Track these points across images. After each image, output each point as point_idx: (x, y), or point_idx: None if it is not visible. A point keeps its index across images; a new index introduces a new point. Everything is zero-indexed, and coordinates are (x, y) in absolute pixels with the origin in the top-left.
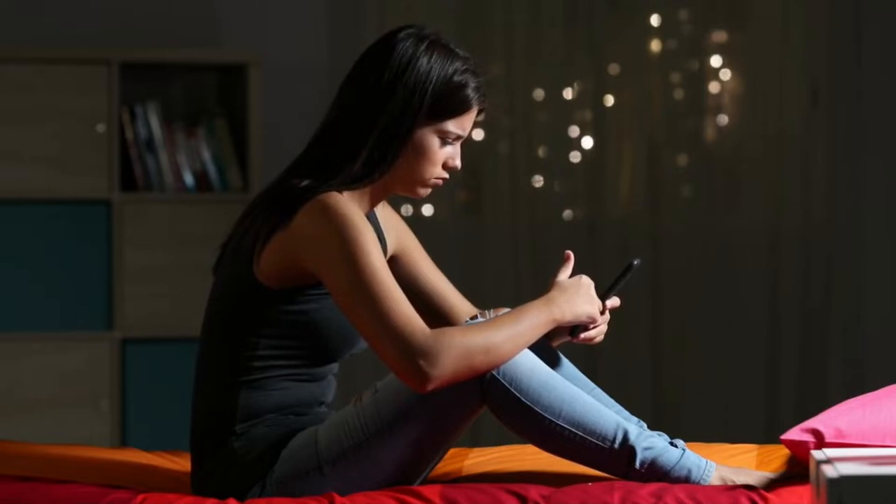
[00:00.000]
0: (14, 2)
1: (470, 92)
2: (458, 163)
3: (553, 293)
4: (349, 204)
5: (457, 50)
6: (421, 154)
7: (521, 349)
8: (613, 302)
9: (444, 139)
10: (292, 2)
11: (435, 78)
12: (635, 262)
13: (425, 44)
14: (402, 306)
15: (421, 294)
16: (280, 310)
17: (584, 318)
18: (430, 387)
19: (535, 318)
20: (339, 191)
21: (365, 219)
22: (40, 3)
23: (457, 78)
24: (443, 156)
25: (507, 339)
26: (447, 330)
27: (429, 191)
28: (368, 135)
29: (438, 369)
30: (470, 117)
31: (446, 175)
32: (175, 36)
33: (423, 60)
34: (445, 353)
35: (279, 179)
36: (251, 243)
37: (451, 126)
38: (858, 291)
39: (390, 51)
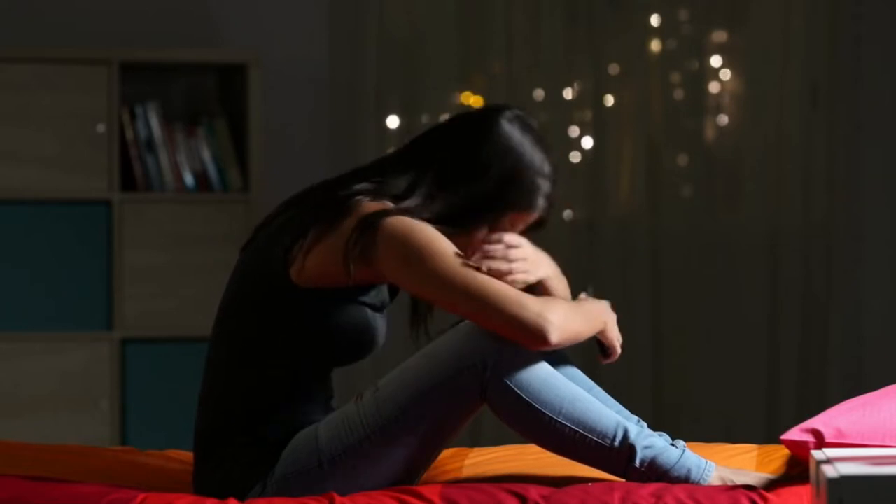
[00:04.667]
0: (14, 2)
1: (541, 199)
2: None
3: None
4: (419, 223)
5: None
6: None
7: (590, 333)
8: None
9: (493, 227)
10: (292, 2)
11: (525, 169)
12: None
13: (529, 134)
14: (498, 285)
15: None
16: (301, 308)
17: (608, 341)
18: (555, 337)
19: (600, 313)
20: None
21: (435, 230)
22: (40, 3)
23: (538, 179)
24: (481, 236)
25: (587, 313)
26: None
27: None
28: (446, 189)
29: (556, 318)
30: (524, 219)
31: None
32: (175, 36)
33: (526, 148)
34: (555, 305)
35: (338, 180)
36: (292, 238)
37: (507, 221)
38: (858, 291)
39: (493, 126)
